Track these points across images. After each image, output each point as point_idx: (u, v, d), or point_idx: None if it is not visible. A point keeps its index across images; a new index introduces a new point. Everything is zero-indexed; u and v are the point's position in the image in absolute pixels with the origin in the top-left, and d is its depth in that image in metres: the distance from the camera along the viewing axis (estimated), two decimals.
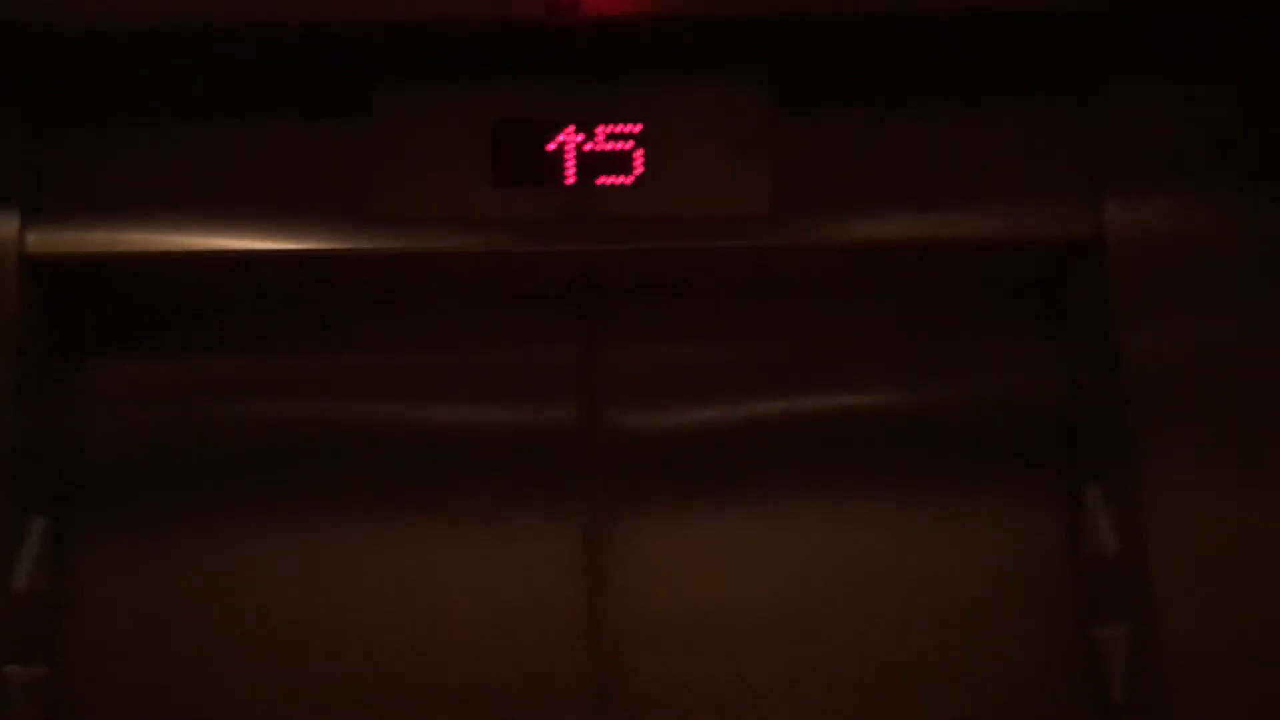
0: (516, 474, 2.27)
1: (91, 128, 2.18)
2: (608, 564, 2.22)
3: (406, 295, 2.32)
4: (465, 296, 2.33)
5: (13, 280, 2.08)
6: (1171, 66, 2.19)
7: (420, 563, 2.23)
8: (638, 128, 2.16)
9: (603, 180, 2.14)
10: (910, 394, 2.33)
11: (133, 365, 2.31)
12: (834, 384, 2.34)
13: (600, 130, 2.16)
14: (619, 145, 2.15)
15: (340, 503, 2.25)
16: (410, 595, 2.21)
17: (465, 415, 2.31)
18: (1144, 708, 2.03)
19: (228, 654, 2.17)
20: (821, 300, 2.36)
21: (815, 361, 2.34)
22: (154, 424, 2.28)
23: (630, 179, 2.14)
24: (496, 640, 2.19)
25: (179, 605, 2.19)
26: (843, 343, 2.36)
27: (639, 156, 2.15)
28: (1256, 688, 1.94)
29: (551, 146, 2.15)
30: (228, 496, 2.25)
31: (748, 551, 2.25)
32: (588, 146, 2.15)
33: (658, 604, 2.22)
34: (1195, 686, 1.94)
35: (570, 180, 2.14)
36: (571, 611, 2.19)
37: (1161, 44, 2.18)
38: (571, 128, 2.16)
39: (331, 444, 2.28)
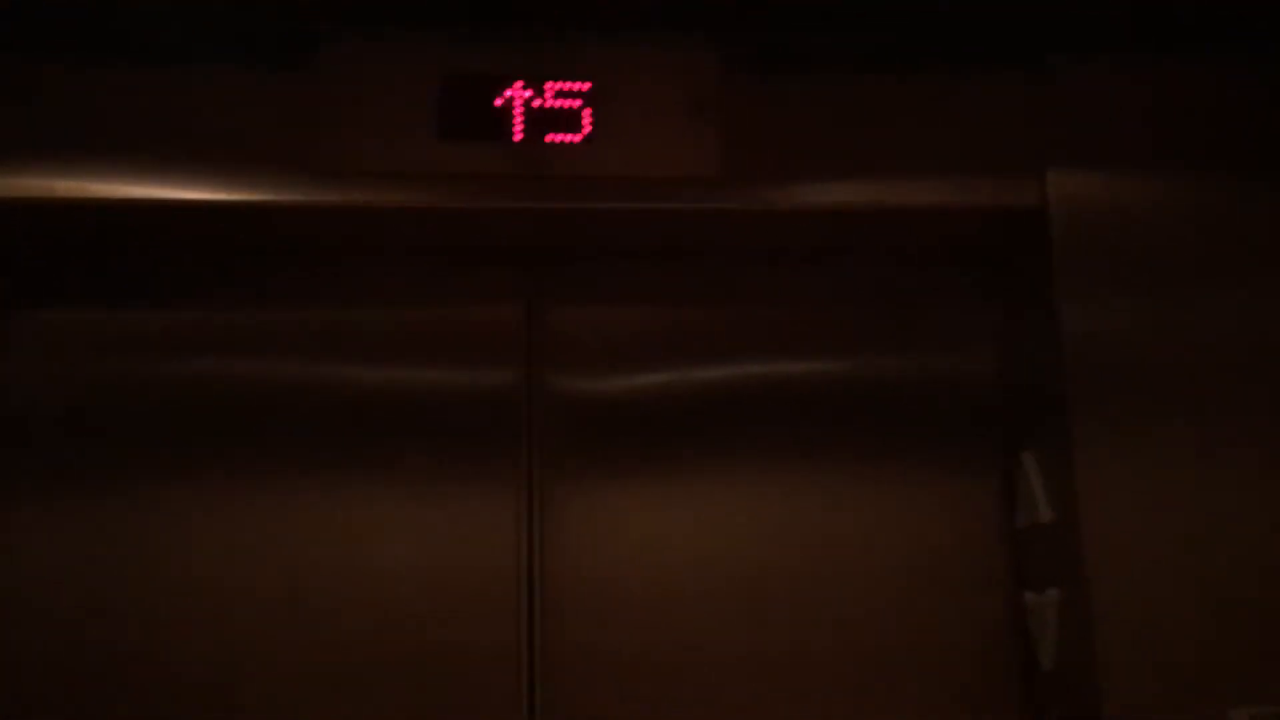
0: (457, 435, 2.25)
1: (24, 67, 2.11)
2: (546, 527, 2.22)
3: (348, 251, 2.28)
4: (409, 253, 2.30)
5: None
6: (1119, 43, 2.21)
7: (357, 523, 2.20)
8: (587, 85, 2.13)
9: (551, 138, 2.11)
10: (852, 362, 2.36)
11: (61, 316, 2.25)
12: (776, 351, 2.35)
13: (549, 87, 2.12)
14: (568, 103, 2.12)
15: (275, 462, 2.22)
16: (346, 555, 2.18)
17: (406, 374, 2.28)
18: (1071, 674, 2.07)
19: (157, 616, 2.14)
20: (766, 267, 2.36)
21: (758, 328, 2.35)
22: (86, 378, 2.23)
23: (579, 137, 2.11)
24: (433, 602, 2.17)
25: (106, 563, 2.15)
26: (786, 310, 2.37)
27: (588, 114, 2.12)
28: (1183, 656, 1.98)
29: (499, 102, 2.12)
30: (158, 455, 2.21)
31: (686, 517, 2.26)
32: (536, 103, 2.12)
33: (596, 568, 2.21)
34: (1123, 653, 1.98)
35: (518, 137, 2.11)
36: (509, 574, 2.19)
37: (1110, 20, 2.19)
38: (520, 83, 2.12)
39: (266, 402, 2.24)
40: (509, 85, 2.13)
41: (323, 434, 2.24)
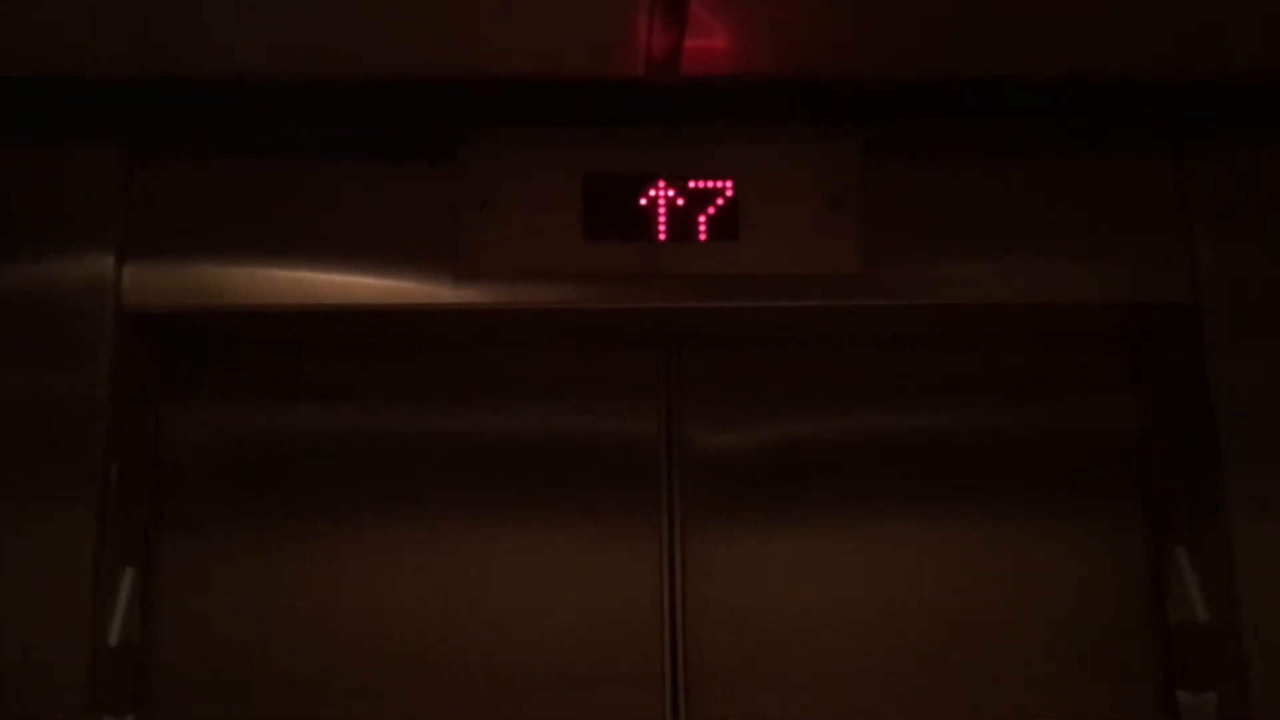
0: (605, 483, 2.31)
1: (183, 165, 2.18)
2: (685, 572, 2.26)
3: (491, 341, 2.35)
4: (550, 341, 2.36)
5: (109, 331, 2.08)
6: (1268, 129, 2.16)
7: (513, 561, 2.28)
8: (729, 183, 2.15)
9: (694, 236, 2.13)
10: (989, 424, 2.35)
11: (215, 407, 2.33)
12: (911, 407, 2.35)
13: (692, 185, 2.15)
14: (711, 201, 2.14)
15: (440, 507, 2.29)
16: (501, 589, 2.26)
17: (554, 428, 2.33)
18: None
19: (327, 638, 2.23)
20: (898, 347, 2.37)
21: (892, 388, 2.36)
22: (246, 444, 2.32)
23: (722, 235, 2.13)
24: (574, 639, 2.24)
25: (274, 602, 2.25)
26: (920, 381, 2.36)
27: (731, 212, 2.14)
28: None
29: (643, 201, 2.15)
30: (336, 500, 2.30)
31: (818, 559, 2.29)
32: (680, 201, 2.14)
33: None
34: None
35: (662, 236, 2.13)
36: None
37: (1257, 106, 2.16)
38: (663, 182, 2.15)
39: (433, 458, 2.31)
40: (652, 184, 2.15)
41: (486, 485, 2.30)
